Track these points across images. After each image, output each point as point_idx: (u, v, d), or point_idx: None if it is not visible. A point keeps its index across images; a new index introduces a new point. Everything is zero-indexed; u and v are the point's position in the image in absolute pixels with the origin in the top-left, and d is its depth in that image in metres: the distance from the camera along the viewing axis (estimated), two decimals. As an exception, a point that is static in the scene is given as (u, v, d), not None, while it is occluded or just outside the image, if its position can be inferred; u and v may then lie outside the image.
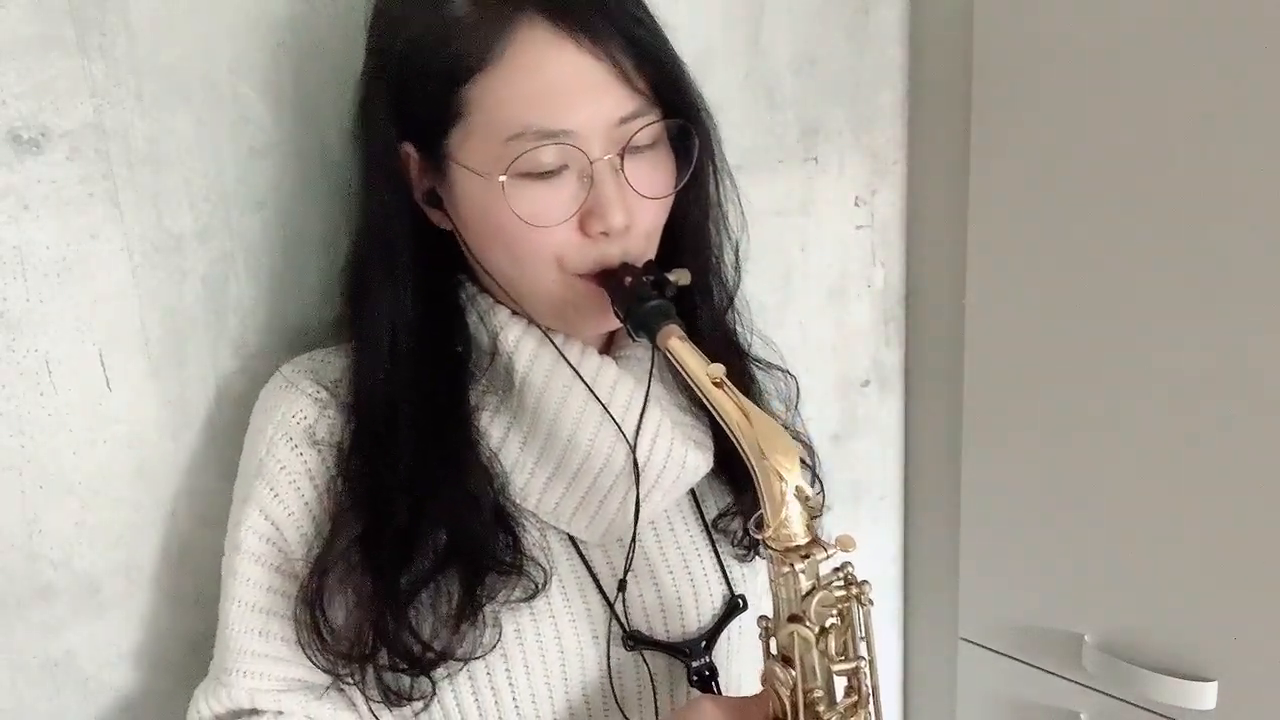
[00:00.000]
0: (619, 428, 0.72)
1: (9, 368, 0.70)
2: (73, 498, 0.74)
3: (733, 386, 0.63)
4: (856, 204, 1.25)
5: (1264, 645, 1.07)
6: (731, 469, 0.80)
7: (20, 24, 0.67)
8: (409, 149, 0.71)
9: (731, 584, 0.81)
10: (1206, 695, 1.11)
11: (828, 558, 0.63)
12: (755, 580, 0.84)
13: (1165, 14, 1.01)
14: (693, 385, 0.64)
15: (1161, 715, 1.15)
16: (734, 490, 0.83)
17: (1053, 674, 1.25)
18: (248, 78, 0.77)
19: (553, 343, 0.73)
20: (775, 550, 0.63)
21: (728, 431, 0.63)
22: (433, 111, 0.68)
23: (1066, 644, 1.22)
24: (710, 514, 0.82)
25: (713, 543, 0.82)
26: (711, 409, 0.63)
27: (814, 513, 0.63)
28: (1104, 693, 1.20)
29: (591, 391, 0.72)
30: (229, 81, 0.76)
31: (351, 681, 0.70)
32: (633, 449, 0.72)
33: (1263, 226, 0.99)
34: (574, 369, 0.72)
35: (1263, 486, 1.04)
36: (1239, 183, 0.99)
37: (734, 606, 0.80)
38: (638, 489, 0.73)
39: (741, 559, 0.83)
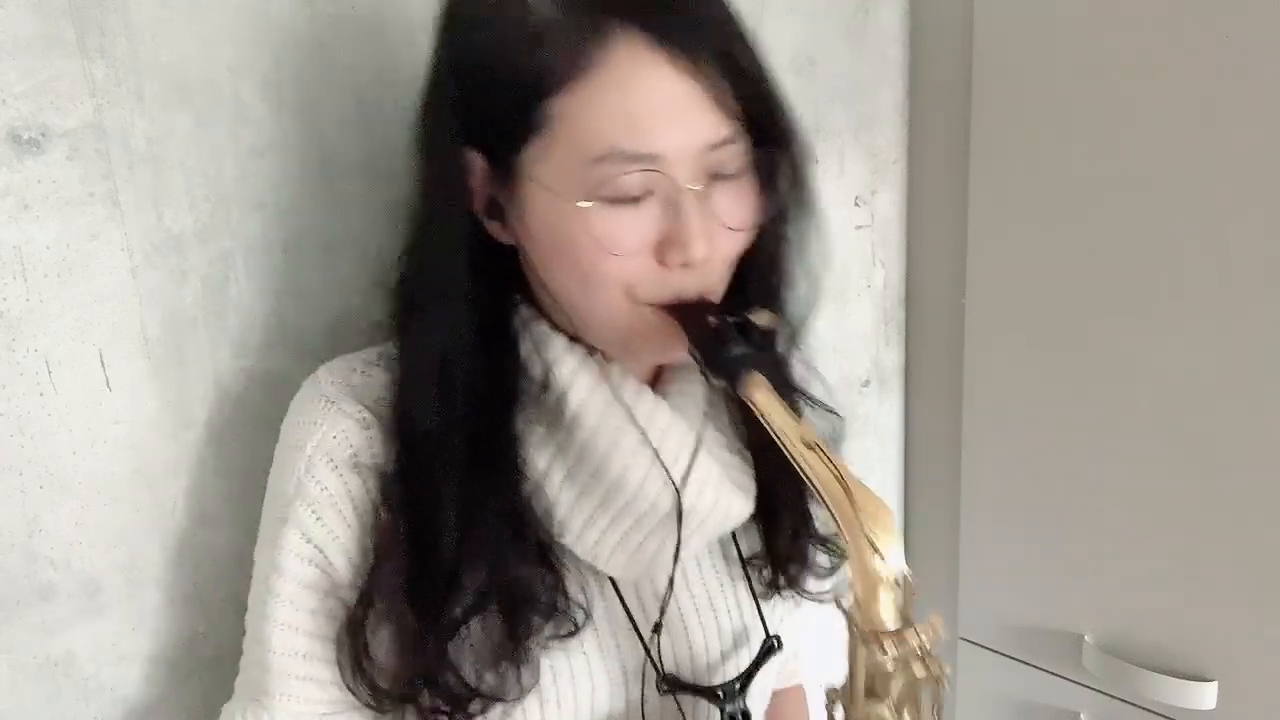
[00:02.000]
0: (668, 474, 0.69)
1: (9, 368, 0.70)
2: (73, 498, 0.74)
3: (826, 448, 0.59)
4: (856, 204, 1.24)
5: (1264, 645, 1.07)
6: (764, 508, 0.77)
7: (20, 24, 0.67)
8: (475, 156, 0.66)
9: (766, 624, 0.79)
10: (1206, 695, 1.11)
11: (919, 643, 0.59)
12: (781, 616, 0.82)
13: (1165, 14, 1.01)
14: (781, 444, 0.60)
15: (1161, 715, 1.15)
16: (765, 530, 0.80)
17: (1053, 674, 1.25)
18: (248, 78, 0.77)
19: (608, 383, 0.69)
20: (861, 630, 0.59)
21: (819, 497, 0.59)
22: (509, 122, 0.63)
23: (1066, 644, 1.22)
24: (745, 551, 0.80)
25: (748, 581, 0.79)
26: (803, 473, 0.59)
27: (909, 593, 0.59)
28: (1104, 693, 1.20)
29: (645, 437, 0.69)
30: (229, 81, 0.76)
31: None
32: (678, 494, 0.69)
33: (1263, 226, 0.99)
34: (629, 411, 0.69)
35: (1263, 487, 1.04)
36: (1239, 182, 1.00)
37: (769, 648, 0.77)
38: (679, 533, 0.70)
39: (765, 597, 0.80)
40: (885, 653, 0.58)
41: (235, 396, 0.81)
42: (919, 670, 0.60)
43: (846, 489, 0.57)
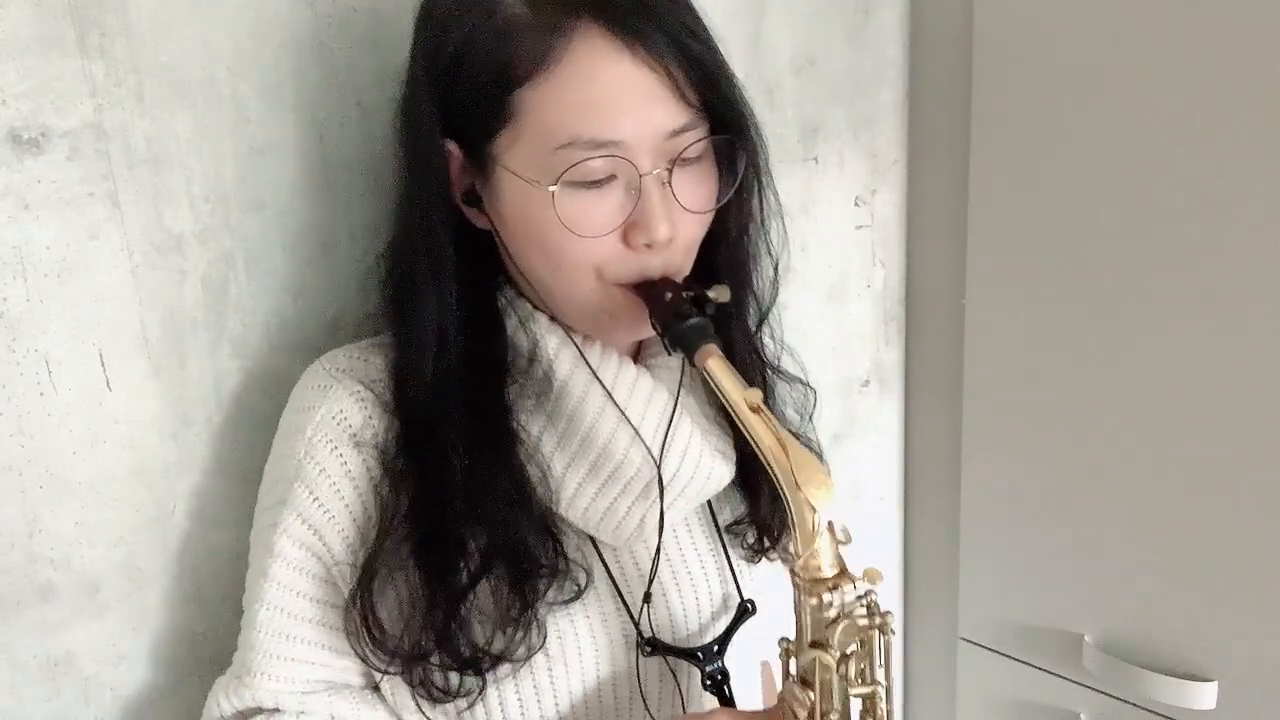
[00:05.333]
0: (648, 444, 0.73)
1: (9, 368, 0.70)
2: (73, 498, 0.74)
3: (769, 412, 0.63)
4: (856, 204, 1.25)
5: (1264, 645, 1.07)
6: (745, 474, 0.81)
7: (20, 24, 0.67)
8: (451, 147, 0.70)
9: (741, 588, 0.81)
10: (1206, 695, 1.11)
11: (855, 591, 0.64)
12: (762, 580, 0.85)
13: (1164, 15, 1.01)
14: (728, 408, 0.64)
15: (1161, 715, 1.15)
16: (747, 494, 0.83)
17: (1053, 674, 1.25)
18: (248, 78, 0.77)
19: (586, 361, 0.73)
20: (803, 580, 0.64)
21: (761, 458, 0.63)
22: (481, 114, 0.67)
23: (1066, 644, 1.22)
24: (722, 516, 0.83)
25: (724, 546, 0.82)
26: (746, 434, 0.63)
27: (844, 543, 0.64)
28: (1104, 693, 1.20)
29: (628, 405, 0.72)
30: (229, 81, 0.76)
31: (408, 680, 0.70)
32: (658, 465, 0.73)
33: (1261, 227, 0.99)
34: (613, 380, 0.73)
35: (1262, 486, 1.04)
36: (1238, 183, 1.00)
37: (744, 610, 0.80)
38: (661, 502, 0.73)
39: (750, 560, 0.84)
40: (821, 598, 0.63)
41: (235, 396, 0.81)
42: (862, 619, 0.64)
43: (785, 448, 0.62)
